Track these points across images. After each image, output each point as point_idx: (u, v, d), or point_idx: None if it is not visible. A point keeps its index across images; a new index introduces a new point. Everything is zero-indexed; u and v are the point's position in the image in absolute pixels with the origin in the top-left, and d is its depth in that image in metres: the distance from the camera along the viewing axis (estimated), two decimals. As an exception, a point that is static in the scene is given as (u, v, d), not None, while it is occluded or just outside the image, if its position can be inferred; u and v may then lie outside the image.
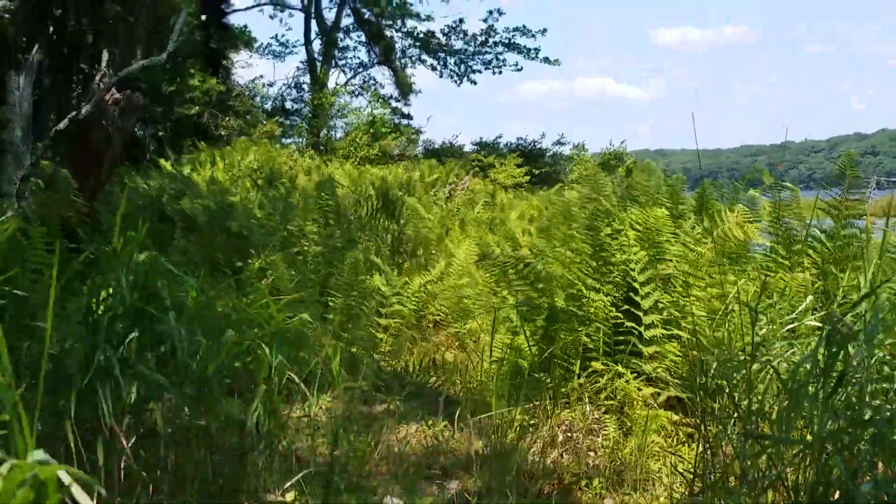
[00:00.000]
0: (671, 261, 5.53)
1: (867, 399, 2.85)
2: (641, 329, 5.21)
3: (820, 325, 4.15)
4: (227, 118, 22.55)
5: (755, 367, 3.76)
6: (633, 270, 5.35)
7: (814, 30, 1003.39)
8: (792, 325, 4.24)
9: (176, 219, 8.12)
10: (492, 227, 11.96)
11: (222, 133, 22.32)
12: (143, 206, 8.44)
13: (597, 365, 5.18)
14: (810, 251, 5.90)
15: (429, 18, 31.85)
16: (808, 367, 2.95)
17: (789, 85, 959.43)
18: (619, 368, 5.09)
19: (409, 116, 30.70)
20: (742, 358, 3.83)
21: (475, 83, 33.48)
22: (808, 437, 2.93)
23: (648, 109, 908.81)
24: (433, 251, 9.03)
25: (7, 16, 8.54)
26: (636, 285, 5.33)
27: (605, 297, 5.37)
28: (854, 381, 2.88)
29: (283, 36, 34.34)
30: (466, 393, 5.43)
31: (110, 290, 3.46)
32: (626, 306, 5.34)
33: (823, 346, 2.90)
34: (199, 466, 3.40)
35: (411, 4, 31.59)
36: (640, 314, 5.25)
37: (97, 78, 10.72)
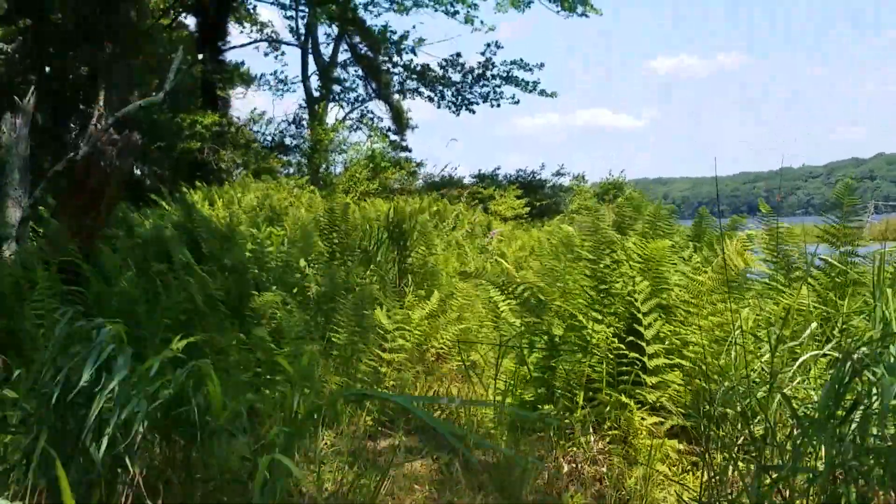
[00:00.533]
0: (672, 290, 5.53)
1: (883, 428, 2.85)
2: (645, 359, 5.20)
3: (827, 353, 4.16)
4: (227, 152, 22.62)
5: (759, 394, 3.76)
6: (637, 301, 5.36)
7: (808, 57, 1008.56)
8: (804, 357, 4.23)
9: (177, 259, 8.11)
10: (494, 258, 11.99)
11: (222, 167, 22.39)
12: (142, 247, 8.44)
13: (602, 396, 5.18)
14: (810, 279, 5.91)
15: (422, 42, 31.92)
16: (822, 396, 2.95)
17: (786, 111, 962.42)
18: (623, 398, 5.09)
19: (408, 149, 30.79)
20: (747, 385, 3.83)
21: (473, 112, 33.52)
22: (820, 467, 2.93)
23: (646, 138, 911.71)
24: (437, 283, 9.02)
25: (3, 56, 8.60)
26: (639, 315, 5.33)
27: (608, 328, 5.37)
28: (868, 409, 2.87)
29: (281, 72, 34.41)
30: (471, 426, 5.42)
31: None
32: (628, 336, 5.34)
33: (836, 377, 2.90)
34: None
35: (407, 33, 31.75)
36: (643, 344, 5.25)
37: (94, 118, 10.78)
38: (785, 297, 5.59)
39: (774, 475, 2.99)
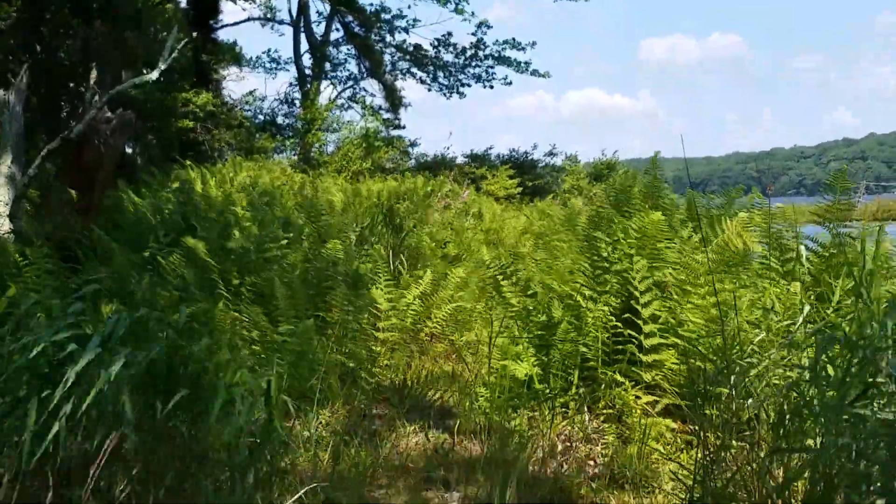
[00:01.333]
0: (669, 267, 5.55)
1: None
2: (641, 337, 5.23)
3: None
4: (220, 131, 22.54)
5: (753, 373, 3.78)
6: (634, 279, 5.38)
7: (803, 38, 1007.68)
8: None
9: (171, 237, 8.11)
10: (488, 238, 12.00)
11: (215, 146, 22.32)
12: (137, 224, 8.42)
13: (597, 375, 5.21)
14: (803, 259, 5.94)
15: (416, 23, 31.82)
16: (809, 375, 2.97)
17: (778, 92, 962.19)
18: (618, 377, 5.11)
19: (401, 126, 30.72)
20: (741, 365, 3.86)
21: (464, 95, 33.43)
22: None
23: (640, 119, 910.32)
24: (430, 263, 9.01)
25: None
26: (636, 293, 5.35)
27: (604, 307, 5.39)
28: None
29: (274, 51, 34.22)
30: (466, 404, 5.44)
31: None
32: (625, 314, 5.36)
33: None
34: (197, 486, 3.40)
35: (400, 12, 31.62)
36: (640, 322, 5.27)
37: (88, 96, 10.74)
38: (779, 280, 5.62)
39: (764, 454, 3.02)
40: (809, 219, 6.42)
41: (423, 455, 4.80)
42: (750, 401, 3.83)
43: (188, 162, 17.47)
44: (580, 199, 20.44)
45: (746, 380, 3.98)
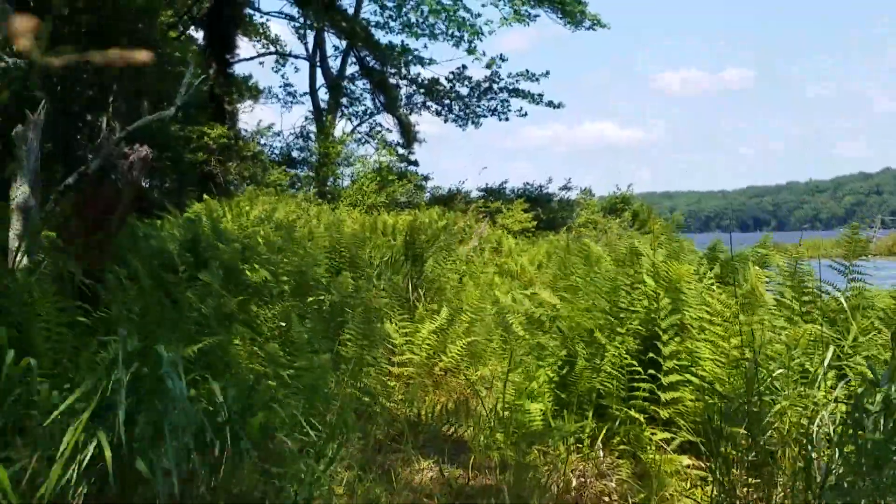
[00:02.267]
0: (690, 308, 5.56)
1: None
2: (661, 375, 5.23)
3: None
4: (235, 164, 22.69)
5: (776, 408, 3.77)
6: (658, 318, 5.40)
7: (814, 69, 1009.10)
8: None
9: (185, 271, 8.13)
10: (502, 273, 12.01)
11: (230, 179, 22.45)
12: (153, 258, 8.45)
13: (612, 412, 5.20)
14: (821, 303, 5.95)
15: (432, 62, 32.10)
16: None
17: (793, 126, 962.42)
18: (633, 414, 5.10)
19: (415, 163, 30.88)
20: (759, 402, 3.85)
21: (480, 125, 33.64)
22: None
23: (652, 152, 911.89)
24: (445, 298, 9.02)
25: (14, 69, 8.65)
26: (659, 332, 5.36)
27: (621, 345, 5.40)
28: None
29: (290, 86, 34.51)
30: (480, 440, 5.43)
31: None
32: (645, 353, 5.37)
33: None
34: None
35: (416, 50, 31.88)
36: (661, 360, 5.28)
37: (105, 131, 10.80)
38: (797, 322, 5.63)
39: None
40: (824, 254, 6.43)
41: (437, 490, 4.79)
42: (767, 436, 3.83)
43: (205, 196, 17.57)
44: (596, 232, 20.41)
45: (767, 417, 3.97)
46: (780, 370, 4.71)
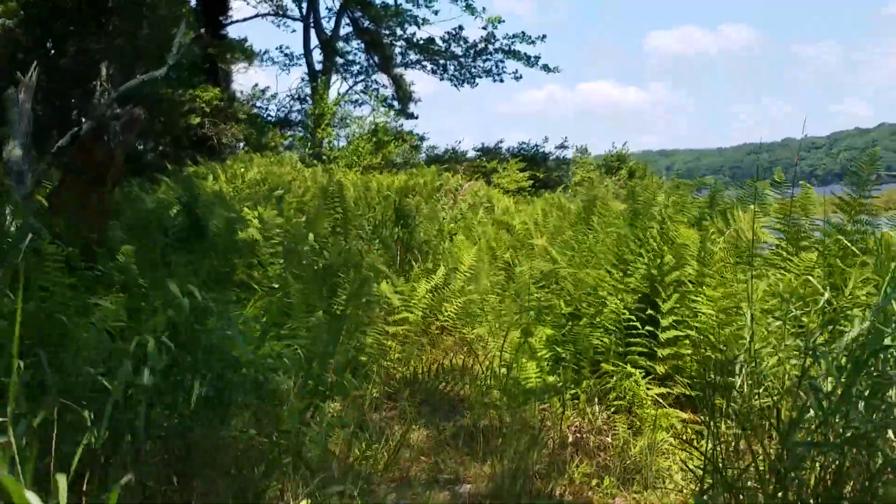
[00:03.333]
0: (690, 263, 5.55)
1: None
2: (658, 331, 5.23)
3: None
4: (230, 126, 22.55)
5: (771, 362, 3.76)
6: (659, 274, 5.40)
7: (812, 28, 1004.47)
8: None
9: (180, 233, 8.09)
10: (498, 231, 11.96)
11: (224, 142, 22.33)
12: (148, 220, 8.41)
13: (607, 366, 5.20)
14: (819, 247, 5.91)
15: (425, 22, 31.86)
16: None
17: (789, 83, 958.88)
18: (629, 369, 5.10)
19: (413, 116, 30.77)
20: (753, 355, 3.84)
21: (476, 85, 33.46)
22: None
23: (651, 111, 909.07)
24: (440, 257, 8.99)
25: (5, 31, 8.59)
26: (660, 287, 5.36)
27: (620, 301, 5.40)
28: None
29: (286, 47, 34.24)
30: (476, 397, 5.43)
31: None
32: (641, 309, 5.37)
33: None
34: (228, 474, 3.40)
35: (409, 11, 31.62)
36: (659, 317, 5.28)
37: (98, 93, 10.73)
38: (792, 267, 5.59)
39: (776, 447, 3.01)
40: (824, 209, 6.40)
41: (433, 448, 4.80)
42: (762, 389, 3.83)
43: (200, 158, 17.50)
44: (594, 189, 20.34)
45: (761, 369, 3.97)
46: (777, 322, 4.70)
